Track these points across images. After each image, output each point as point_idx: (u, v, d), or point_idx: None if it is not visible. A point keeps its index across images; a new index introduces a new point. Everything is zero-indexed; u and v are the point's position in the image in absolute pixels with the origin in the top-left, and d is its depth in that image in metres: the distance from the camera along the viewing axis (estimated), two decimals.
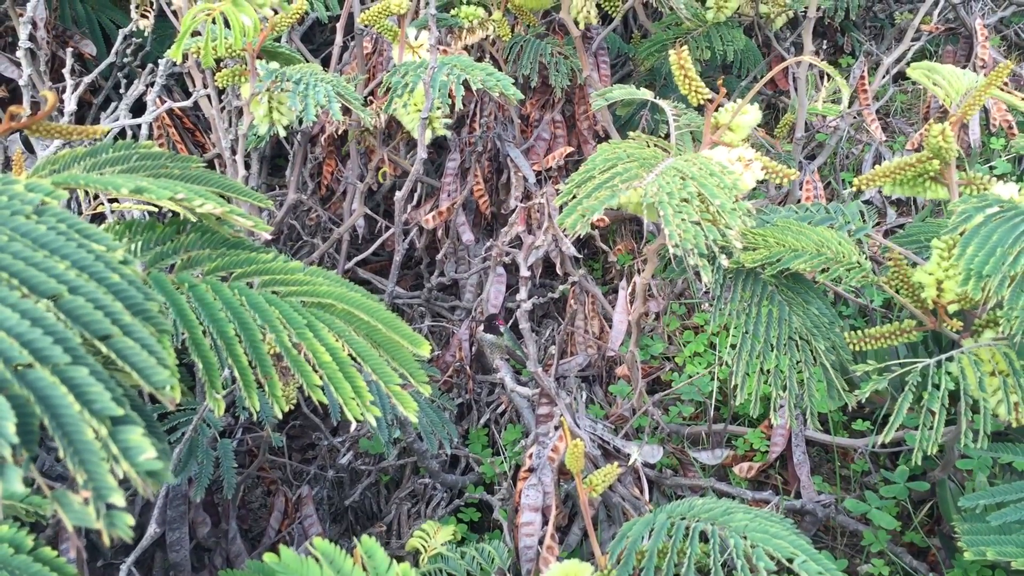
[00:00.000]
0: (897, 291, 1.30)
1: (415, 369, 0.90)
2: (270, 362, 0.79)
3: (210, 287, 0.82)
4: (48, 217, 0.62)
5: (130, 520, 0.52)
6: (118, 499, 0.51)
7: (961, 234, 1.12)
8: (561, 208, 1.14)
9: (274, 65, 1.46)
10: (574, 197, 1.08)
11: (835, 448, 1.83)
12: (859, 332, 1.31)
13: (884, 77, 2.60)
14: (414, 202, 2.20)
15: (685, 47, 1.25)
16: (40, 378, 0.53)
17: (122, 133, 1.89)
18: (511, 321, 2.08)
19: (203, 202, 0.80)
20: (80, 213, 1.24)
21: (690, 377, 1.98)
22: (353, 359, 0.84)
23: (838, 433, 1.85)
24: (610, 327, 2.10)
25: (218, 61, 1.53)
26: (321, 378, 0.81)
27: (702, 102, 1.30)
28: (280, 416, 0.79)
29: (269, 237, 0.87)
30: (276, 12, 1.32)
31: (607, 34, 2.19)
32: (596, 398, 2.03)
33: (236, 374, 0.78)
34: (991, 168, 2.61)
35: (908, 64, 2.57)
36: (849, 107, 2.52)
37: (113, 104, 1.94)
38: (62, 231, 0.61)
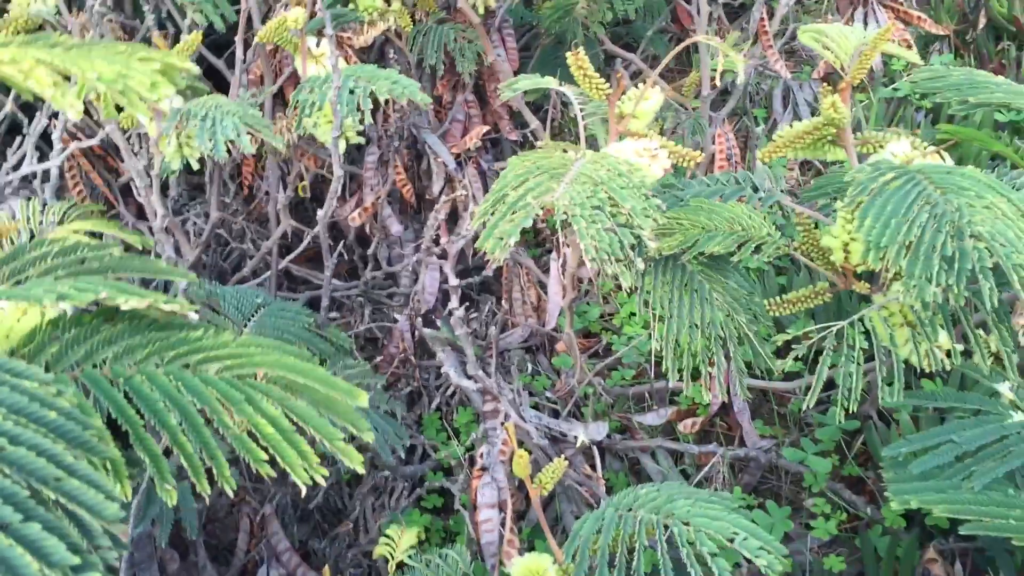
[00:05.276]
0: (809, 256, 1.36)
1: (356, 419, 0.93)
2: (215, 444, 0.82)
3: (145, 377, 0.84)
4: None
5: None
6: None
7: (859, 205, 1.17)
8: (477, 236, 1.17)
9: (179, 100, 1.45)
10: (489, 220, 1.11)
11: (772, 392, 1.92)
12: (776, 299, 1.37)
13: (785, 7, 2.64)
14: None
15: (581, 50, 1.28)
16: None
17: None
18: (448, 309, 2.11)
19: (126, 299, 0.82)
20: None
21: (629, 339, 2.05)
22: (294, 424, 0.87)
23: (773, 376, 1.94)
24: (547, 295, 2.15)
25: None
26: (266, 450, 0.84)
27: (603, 97, 1.33)
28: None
29: (195, 317, 0.88)
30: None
31: (508, 6, 2.19)
32: (541, 368, 2.08)
33: (183, 462, 0.81)
34: (895, 90, 2.69)
35: None
36: (753, 45, 2.56)
37: (17, 139, 1.90)
38: None
